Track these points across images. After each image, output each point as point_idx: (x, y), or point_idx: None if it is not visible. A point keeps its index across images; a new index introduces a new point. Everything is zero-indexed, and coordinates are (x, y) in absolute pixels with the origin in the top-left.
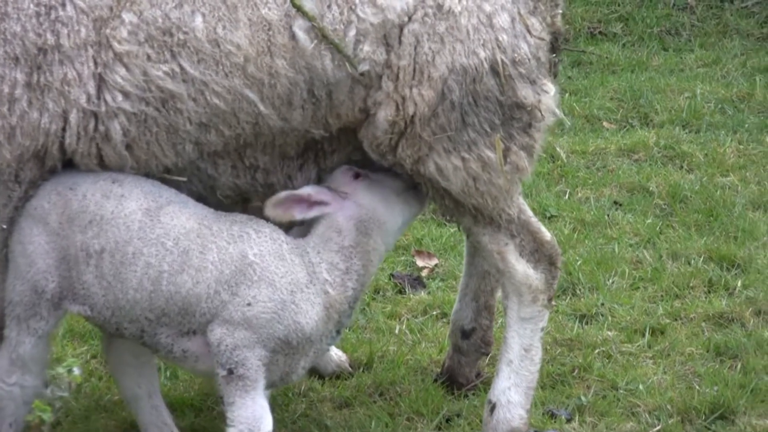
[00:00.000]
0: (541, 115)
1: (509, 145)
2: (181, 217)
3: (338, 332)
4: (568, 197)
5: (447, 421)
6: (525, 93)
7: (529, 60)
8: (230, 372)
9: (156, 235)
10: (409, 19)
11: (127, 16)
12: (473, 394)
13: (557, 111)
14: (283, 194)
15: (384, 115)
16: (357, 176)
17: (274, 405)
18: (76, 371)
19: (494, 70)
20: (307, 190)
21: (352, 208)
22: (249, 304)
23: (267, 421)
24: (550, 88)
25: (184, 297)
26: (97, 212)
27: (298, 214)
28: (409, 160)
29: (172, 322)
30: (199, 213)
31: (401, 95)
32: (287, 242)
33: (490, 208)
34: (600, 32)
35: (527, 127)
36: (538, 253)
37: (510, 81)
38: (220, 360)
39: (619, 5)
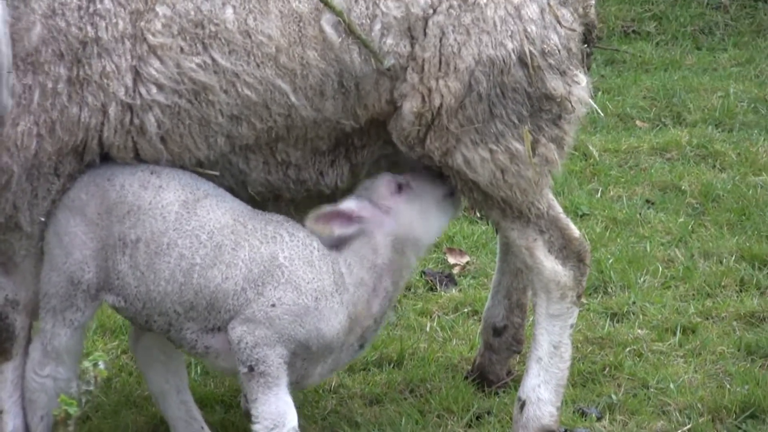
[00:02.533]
0: (572, 106)
1: (538, 137)
2: (218, 212)
3: (361, 346)
4: (601, 195)
5: (477, 418)
6: (554, 84)
7: (558, 51)
8: (251, 369)
9: (191, 227)
10: (434, 11)
11: (161, 9)
12: (504, 392)
13: (590, 102)
14: (326, 209)
15: (410, 106)
16: (399, 188)
17: (305, 401)
18: (102, 365)
19: (522, 62)
20: (350, 206)
21: (391, 226)
22: (273, 305)
23: (291, 416)
24: (582, 79)
25: (213, 292)
26: (135, 202)
27: (338, 229)
28: (437, 152)
29: (198, 317)
30: (236, 209)
31: (427, 87)
32: (319, 249)
33: (519, 201)
34: (633, 31)
35: (557, 119)
36: (567, 250)
37: (539, 72)
38: (240, 357)
39: (652, 4)
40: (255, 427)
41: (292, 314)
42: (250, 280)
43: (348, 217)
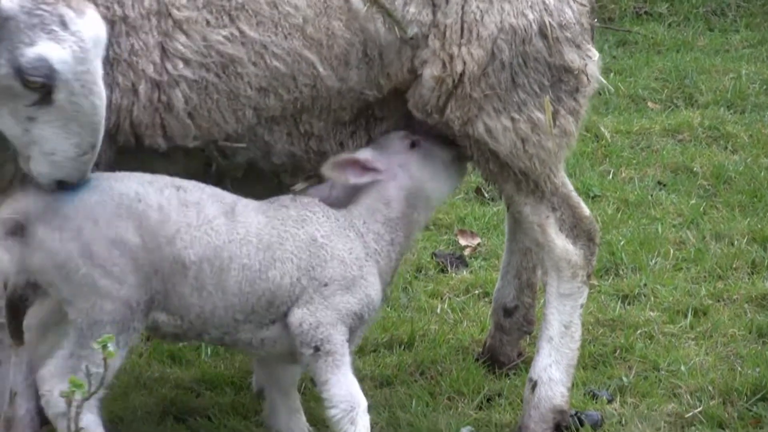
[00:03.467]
0: (587, 80)
1: (558, 108)
2: (252, 213)
3: (384, 299)
4: (612, 177)
5: (488, 400)
6: (571, 57)
7: (573, 24)
8: (317, 349)
9: (242, 235)
10: None
11: None
12: (514, 374)
13: (600, 78)
14: (342, 156)
15: (430, 72)
16: (413, 145)
17: (313, 382)
18: (111, 347)
19: (542, 33)
20: (366, 155)
21: (404, 180)
22: (326, 285)
23: (362, 396)
24: (594, 53)
25: (273, 291)
26: (182, 221)
27: (353, 177)
28: (457, 122)
29: (256, 318)
30: (257, 204)
31: (448, 53)
32: (339, 218)
33: (538, 172)
34: (645, 12)
35: (574, 91)
36: (577, 229)
37: (557, 44)
38: (304, 339)
39: None
40: (331, 411)
41: (344, 288)
42: (302, 268)
43: (363, 167)
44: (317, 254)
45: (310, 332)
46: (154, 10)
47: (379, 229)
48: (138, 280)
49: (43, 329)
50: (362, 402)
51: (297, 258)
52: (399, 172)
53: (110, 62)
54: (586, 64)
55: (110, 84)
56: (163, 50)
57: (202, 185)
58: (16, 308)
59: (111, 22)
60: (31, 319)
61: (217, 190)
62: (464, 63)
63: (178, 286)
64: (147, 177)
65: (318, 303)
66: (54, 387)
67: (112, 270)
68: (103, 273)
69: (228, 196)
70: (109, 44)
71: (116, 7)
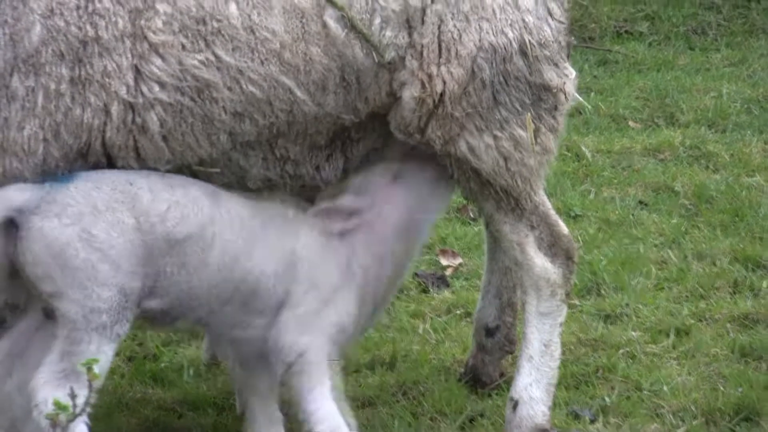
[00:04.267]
0: (566, 98)
1: (539, 125)
2: (232, 201)
3: (362, 333)
4: (594, 196)
5: (470, 420)
6: (550, 75)
7: (552, 43)
8: (291, 365)
9: (229, 218)
10: (432, 0)
11: (162, 7)
12: (497, 394)
13: (577, 96)
14: (322, 205)
15: (410, 93)
16: (395, 178)
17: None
18: (96, 369)
19: (523, 51)
20: (347, 200)
21: (392, 215)
22: (301, 303)
23: (338, 417)
24: (571, 71)
25: (257, 277)
26: (171, 198)
27: (338, 225)
28: (439, 141)
29: (240, 301)
30: (235, 193)
31: (427, 73)
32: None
33: (519, 189)
34: (626, 31)
35: (553, 109)
36: (556, 247)
37: (537, 62)
38: (281, 355)
39: (645, 4)
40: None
41: (322, 300)
42: (279, 275)
43: (347, 213)
44: (295, 266)
45: (287, 347)
46: (128, 33)
47: (368, 262)
48: (131, 266)
49: (11, 362)
50: (344, 424)
51: (275, 260)
52: (384, 209)
53: (82, 82)
54: (564, 83)
55: (81, 103)
56: (138, 72)
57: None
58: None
59: (83, 43)
60: None
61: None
62: (444, 82)
63: (165, 266)
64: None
65: (299, 314)
66: (48, 395)
67: (110, 253)
68: (101, 257)
69: (203, 184)
70: (81, 63)
71: (88, 27)
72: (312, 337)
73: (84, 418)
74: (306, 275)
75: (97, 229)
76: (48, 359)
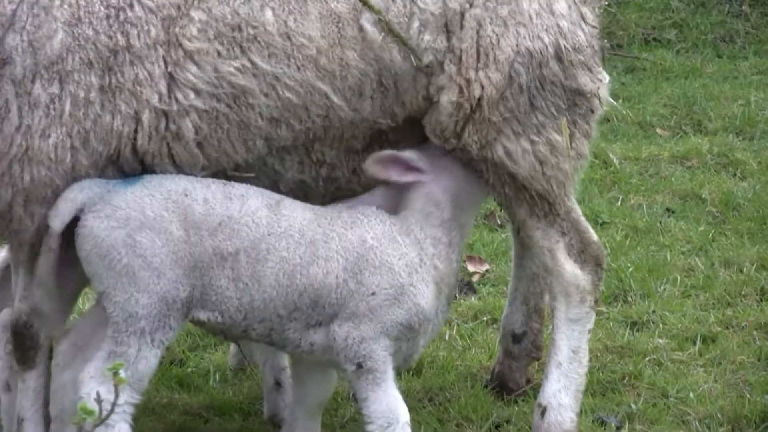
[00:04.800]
0: (599, 103)
1: (573, 130)
2: (298, 209)
3: (449, 303)
4: (621, 204)
5: (496, 427)
6: (584, 80)
7: (586, 47)
8: (359, 366)
9: (283, 228)
10: (471, 5)
11: (196, 14)
12: (523, 400)
13: (611, 100)
14: (386, 153)
15: (447, 98)
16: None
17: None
18: (122, 373)
19: (558, 56)
20: (410, 155)
21: (448, 180)
22: (373, 294)
23: (403, 411)
24: (605, 76)
25: (317, 289)
26: (225, 213)
27: (395, 175)
28: (475, 146)
29: (301, 317)
30: (308, 204)
31: (465, 78)
32: (394, 223)
33: (555, 194)
34: (654, 38)
35: (587, 114)
36: (585, 254)
37: (571, 67)
38: (348, 354)
39: (673, 12)
40: (369, 427)
41: (391, 297)
42: (348, 270)
43: (406, 166)
44: (365, 257)
45: (353, 348)
46: (161, 40)
47: (436, 232)
48: (176, 275)
49: (73, 354)
50: (402, 417)
51: (343, 258)
52: (442, 173)
53: (112, 90)
54: (598, 87)
55: (111, 111)
56: (173, 79)
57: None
58: (21, 334)
59: (113, 51)
60: (63, 344)
61: (265, 190)
62: (482, 87)
63: (215, 280)
64: (196, 177)
65: (363, 315)
66: (92, 390)
67: (152, 261)
68: (143, 264)
69: (276, 194)
70: (111, 72)
71: (119, 36)
72: (377, 335)
73: (126, 417)
74: (378, 265)
75: (141, 235)
76: (97, 354)
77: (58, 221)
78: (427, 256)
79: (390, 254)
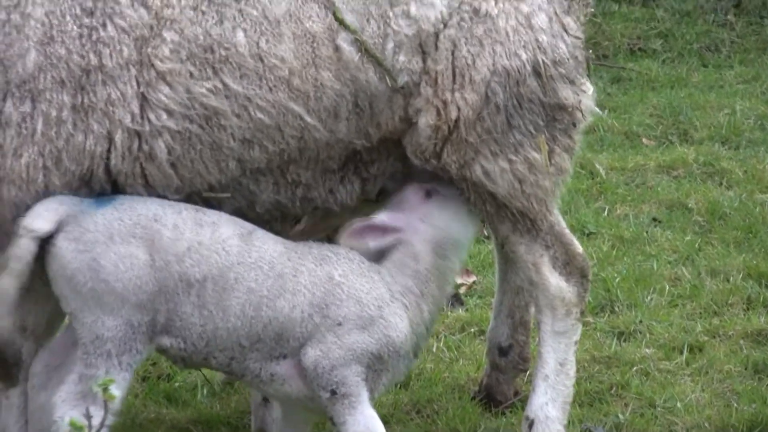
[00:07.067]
0: (582, 115)
1: (553, 146)
2: (270, 241)
3: (415, 355)
4: (607, 214)
5: None
6: (565, 94)
7: (568, 60)
8: (333, 393)
9: (254, 259)
10: (445, 25)
11: (169, 35)
12: (510, 412)
13: (597, 110)
14: (357, 223)
15: (425, 121)
16: (428, 194)
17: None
18: (113, 390)
19: (536, 72)
20: (381, 218)
21: (428, 232)
22: (339, 324)
23: (381, 429)
24: (588, 87)
25: (282, 322)
26: (194, 239)
27: (373, 242)
28: (454, 165)
29: (264, 348)
30: (280, 237)
31: (442, 100)
32: (363, 261)
33: (535, 211)
34: (639, 48)
35: (569, 128)
36: (570, 266)
37: (551, 82)
38: (320, 383)
39: (658, 22)
40: None
41: (360, 327)
42: (315, 305)
43: (381, 230)
44: (332, 292)
45: (324, 375)
46: (134, 61)
47: (407, 282)
48: (139, 300)
49: (47, 375)
50: None
51: (310, 293)
52: (420, 225)
53: (84, 109)
54: (580, 100)
55: (84, 130)
56: (145, 100)
57: (223, 213)
58: (3, 352)
59: (85, 71)
60: (36, 365)
61: (239, 219)
62: (458, 109)
63: (180, 306)
64: (169, 201)
65: (331, 343)
66: (65, 413)
67: (115, 286)
68: (106, 288)
69: (249, 224)
70: (84, 91)
71: (92, 55)
72: (348, 361)
73: None
74: (344, 299)
75: (105, 260)
76: (68, 378)
77: (40, 222)
78: (396, 300)
79: (358, 288)
